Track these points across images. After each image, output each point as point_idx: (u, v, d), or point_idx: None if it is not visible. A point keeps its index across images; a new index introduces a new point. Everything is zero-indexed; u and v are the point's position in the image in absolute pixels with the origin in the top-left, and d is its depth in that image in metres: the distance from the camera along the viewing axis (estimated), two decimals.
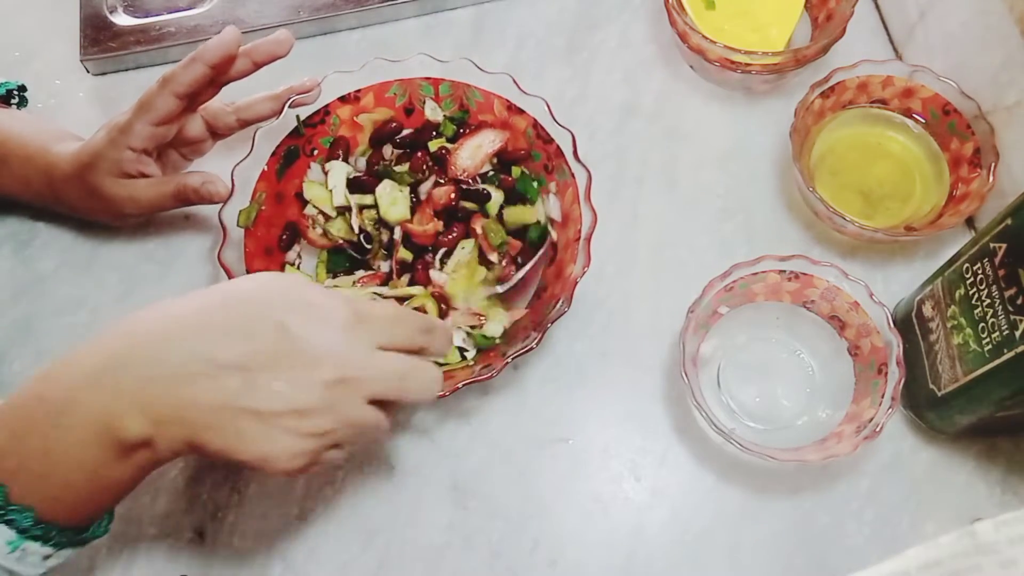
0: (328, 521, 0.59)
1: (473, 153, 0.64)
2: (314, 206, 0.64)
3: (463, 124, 0.66)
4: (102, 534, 0.48)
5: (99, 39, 0.75)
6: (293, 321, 0.43)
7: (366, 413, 0.46)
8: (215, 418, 0.43)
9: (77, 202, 0.64)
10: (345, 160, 0.65)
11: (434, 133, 0.66)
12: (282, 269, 0.63)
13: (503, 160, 0.65)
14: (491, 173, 0.65)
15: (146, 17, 0.76)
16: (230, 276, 0.57)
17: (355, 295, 0.57)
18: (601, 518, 0.59)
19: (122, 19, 0.76)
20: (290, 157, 0.64)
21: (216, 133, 0.66)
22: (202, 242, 0.68)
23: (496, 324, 0.61)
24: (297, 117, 0.64)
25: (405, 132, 0.66)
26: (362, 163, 0.66)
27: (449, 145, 0.65)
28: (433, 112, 0.66)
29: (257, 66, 0.62)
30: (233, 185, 0.60)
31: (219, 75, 0.61)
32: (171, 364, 0.42)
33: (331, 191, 0.64)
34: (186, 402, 0.42)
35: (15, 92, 0.71)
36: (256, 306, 0.44)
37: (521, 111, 0.64)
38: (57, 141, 0.64)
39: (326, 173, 0.65)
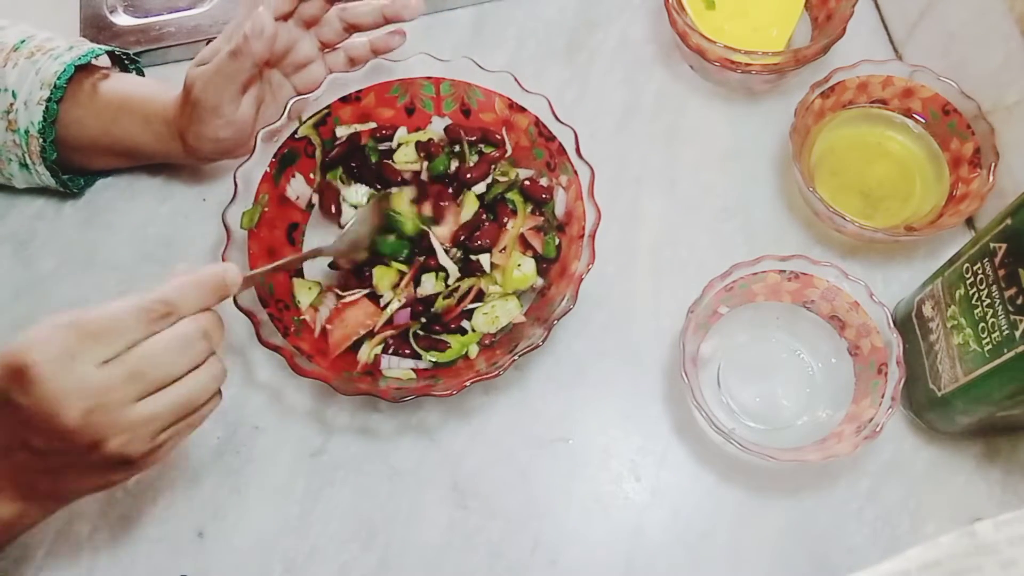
0: (328, 521, 0.59)
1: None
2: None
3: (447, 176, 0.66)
4: None
5: (99, 39, 0.75)
6: (14, 389, 0.43)
7: (146, 407, 0.45)
8: (46, 486, 0.48)
9: (187, 130, 0.63)
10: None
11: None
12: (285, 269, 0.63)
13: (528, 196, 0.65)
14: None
15: (146, 17, 0.76)
16: None
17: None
18: (601, 518, 0.59)
19: (122, 19, 0.76)
20: (286, 161, 0.64)
21: (326, 45, 0.66)
22: (202, 242, 0.68)
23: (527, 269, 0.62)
24: (299, 117, 0.64)
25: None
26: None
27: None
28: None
29: (384, 20, 0.64)
30: (236, 187, 0.60)
31: None
32: None
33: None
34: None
35: (126, 59, 0.70)
36: None
37: (523, 109, 0.64)
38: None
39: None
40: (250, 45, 0.59)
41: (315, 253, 0.60)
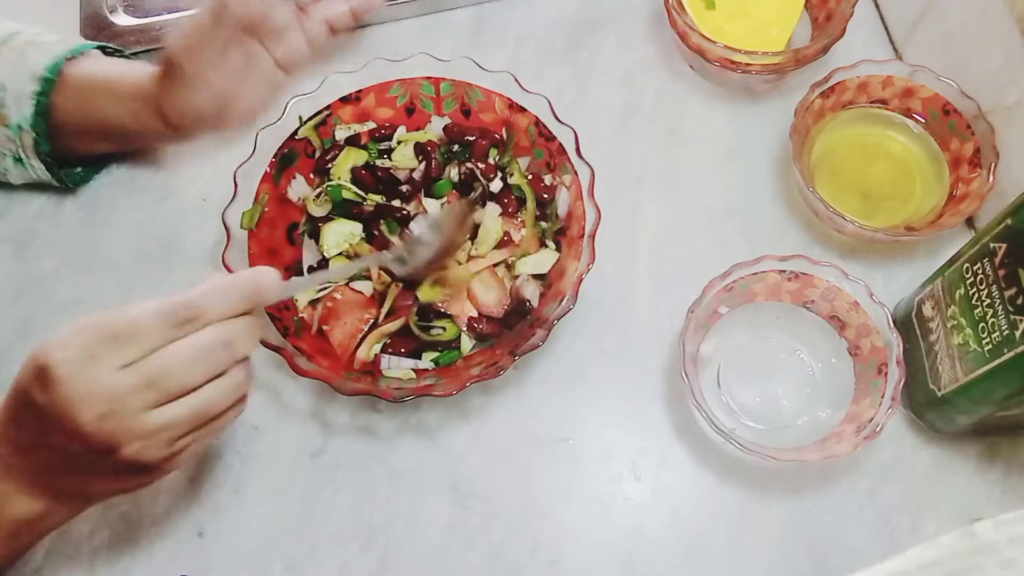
0: (328, 521, 0.59)
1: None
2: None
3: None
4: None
5: (99, 39, 0.75)
6: (36, 388, 0.43)
7: (161, 415, 0.43)
8: (70, 485, 0.48)
9: (167, 102, 0.61)
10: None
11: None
12: (287, 269, 0.63)
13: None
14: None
15: (146, 17, 0.76)
16: None
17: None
18: (601, 518, 0.59)
19: (122, 19, 0.76)
20: (286, 161, 0.64)
21: (304, 11, 0.62)
22: (202, 242, 0.68)
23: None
24: (300, 117, 0.64)
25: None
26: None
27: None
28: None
29: None
30: (236, 186, 0.60)
31: None
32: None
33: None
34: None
35: (117, 55, 0.70)
36: (17, 394, 0.45)
37: (523, 109, 0.64)
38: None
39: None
40: (228, 6, 0.57)
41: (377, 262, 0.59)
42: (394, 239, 0.63)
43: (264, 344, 0.55)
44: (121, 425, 0.42)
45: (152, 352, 0.43)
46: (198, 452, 0.47)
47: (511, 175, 0.66)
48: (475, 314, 0.62)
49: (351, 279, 0.63)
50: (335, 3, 0.62)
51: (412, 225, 0.62)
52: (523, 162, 0.66)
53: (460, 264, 0.62)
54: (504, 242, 0.64)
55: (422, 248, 0.59)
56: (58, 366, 0.41)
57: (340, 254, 0.64)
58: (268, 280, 0.46)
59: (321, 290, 0.62)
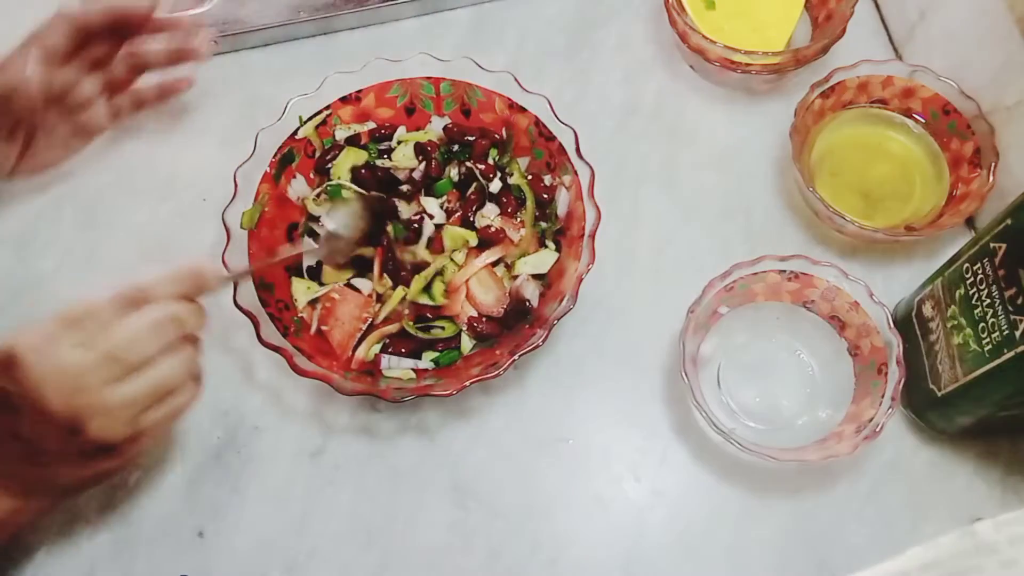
0: (328, 521, 0.59)
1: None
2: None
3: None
4: None
5: None
6: (3, 378, 0.45)
7: (121, 389, 0.46)
8: (35, 476, 0.50)
9: None
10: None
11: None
12: (287, 269, 0.63)
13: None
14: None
15: None
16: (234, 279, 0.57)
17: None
18: (601, 518, 0.59)
19: None
20: (286, 161, 0.64)
21: (113, 85, 0.64)
22: (202, 242, 0.68)
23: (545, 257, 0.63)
24: (300, 117, 0.64)
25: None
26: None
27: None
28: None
29: (158, 30, 0.63)
30: (236, 186, 0.60)
31: (121, 30, 0.62)
32: None
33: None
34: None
35: None
36: None
37: (523, 109, 0.64)
38: None
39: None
40: (18, 89, 0.58)
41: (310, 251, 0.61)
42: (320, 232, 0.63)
43: (264, 344, 0.56)
44: (85, 401, 0.45)
45: (106, 328, 0.46)
46: (158, 435, 0.50)
47: (511, 175, 0.66)
48: (475, 314, 0.62)
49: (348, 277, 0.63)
50: (146, 77, 0.65)
51: (324, 221, 0.62)
52: (523, 162, 0.66)
53: (457, 266, 0.62)
54: (498, 239, 0.63)
55: (338, 241, 0.61)
56: (22, 353, 0.44)
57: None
58: (211, 266, 0.51)
59: (320, 290, 0.62)
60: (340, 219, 0.61)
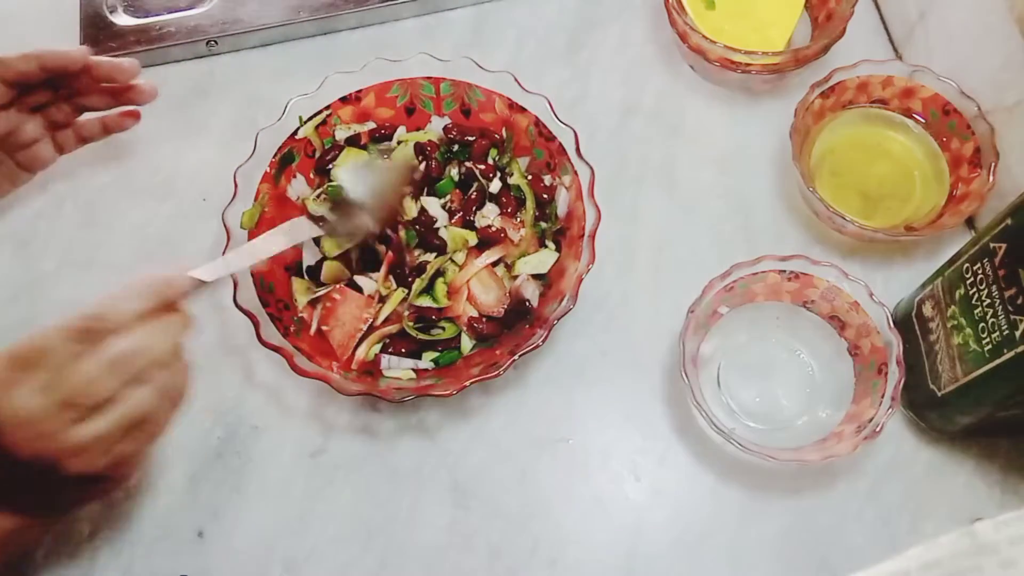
0: (328, 521, 0.59)
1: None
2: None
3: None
4: None
5: (99, 39, 0.75)
6: None
7: (87, 429, 0.43)
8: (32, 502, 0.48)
9: None
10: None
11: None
12: (287, 269, 0.63)
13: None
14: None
15: (146, 17, 0.76)
16: (234, 278, 0.57)
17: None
18: (601, 518, 0.59)
19: (122, 19, 0.76)
20: (286, 161, 0.64)
21: (56, 124, 0.64)
22: (202, 242, 0.68)
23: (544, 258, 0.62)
24: (300, 117, 0.64)
25: None
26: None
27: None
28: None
29: (96, 81, 0.62)
30: (236, 186, 0.60)
31: (58, 79, 0.61)
32: None
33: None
34: None
35: None
36: None
37: (523, 109, 0.64)
38: None
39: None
40: None
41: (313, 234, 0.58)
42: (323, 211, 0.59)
43: (264, 344, 0.55)
44: (53, 445, 0.42)
45: (64, 369, 0.42)
46: (147, 453, 0.47)
47: (511, 175, 0.66)
48: (475, 314, 0.62)
49: (342, 274, 0.63)
50: (88, 115, 0.65)
51: (338, 175, 0.59)
52: (523, 162, 0.66)
53: (458, 267, 0.62)
54: (498, 239, 0.63)
55: (353, 213, 0.57)
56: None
57: (340, 255, 0.63)
58: (175, 272, 0.46)
59: (321, 290, 0.62)
60: (359, 180, 0.58)
